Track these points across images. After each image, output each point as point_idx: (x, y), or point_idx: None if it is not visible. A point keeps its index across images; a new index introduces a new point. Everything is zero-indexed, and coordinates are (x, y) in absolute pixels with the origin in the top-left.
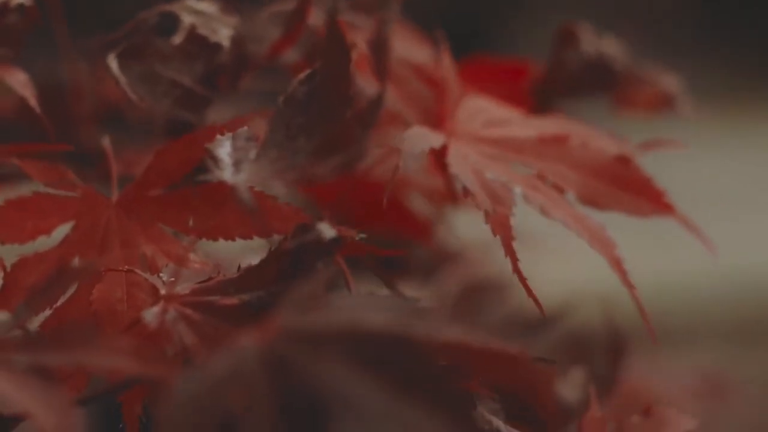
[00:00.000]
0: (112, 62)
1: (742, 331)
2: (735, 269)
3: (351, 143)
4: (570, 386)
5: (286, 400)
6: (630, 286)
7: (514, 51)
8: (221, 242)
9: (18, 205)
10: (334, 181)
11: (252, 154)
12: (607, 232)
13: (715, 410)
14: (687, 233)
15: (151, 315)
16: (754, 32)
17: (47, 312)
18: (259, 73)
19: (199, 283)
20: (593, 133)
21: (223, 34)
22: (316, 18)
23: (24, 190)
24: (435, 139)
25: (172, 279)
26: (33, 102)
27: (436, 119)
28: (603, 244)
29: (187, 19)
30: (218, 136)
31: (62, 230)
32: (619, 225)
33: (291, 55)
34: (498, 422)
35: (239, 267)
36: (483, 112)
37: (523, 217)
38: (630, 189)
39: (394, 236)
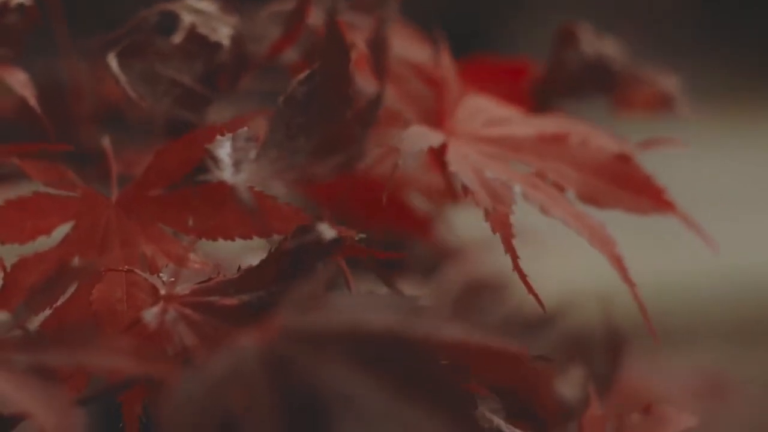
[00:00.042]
0: (112, 61)
1: (742, 331)
2: (735, 269)
3: (350, 143)
4: (569, 385)
5: (286, 400)
6: (630, 283)
7: (514, 51)
8: (221, 242)
9: (18, 204)
10: (334, 180)
11: (252, 154)
12: (607, 230)
13: (715, 410)
14: (686, 233)
15: (150, 315)
16: (754, 32)
17: (47, 312)
18: (258, 72)
19: (199, 283)
20: (593, 132)
21: (223, 33)
22: (315, 18)
23: (24, 190)
24: (434, 138)
25: (172, 279)
26: (33, 102)
27: (435, 118)
28: (603, 242)
29: (187, 18)
30: (218, 137)
31: (62, 230)
32: (618, 225)
33: (290, 55)
34: (499, 421)
35: (239, 267)
36: (483, 112)
37: (522, 216)
38: (630, 187)
39: (394, 233)
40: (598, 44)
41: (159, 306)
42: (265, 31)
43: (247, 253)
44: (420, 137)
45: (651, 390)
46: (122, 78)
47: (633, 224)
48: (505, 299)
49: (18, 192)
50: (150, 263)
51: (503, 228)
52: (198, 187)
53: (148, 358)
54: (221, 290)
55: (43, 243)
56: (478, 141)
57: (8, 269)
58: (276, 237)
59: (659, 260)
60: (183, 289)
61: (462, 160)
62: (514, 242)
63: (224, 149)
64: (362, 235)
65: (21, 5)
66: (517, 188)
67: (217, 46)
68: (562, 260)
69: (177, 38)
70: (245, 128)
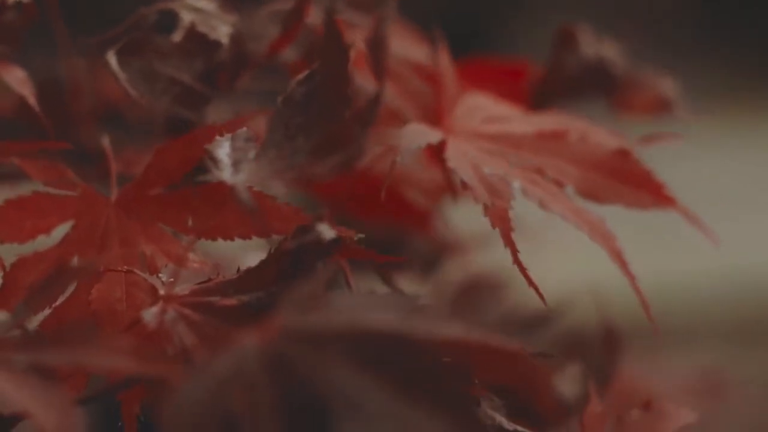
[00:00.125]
0: (112, 59)
1: (742, 331)
2: (735, 269)
3: (350, 142)
4: (568, 381)
5: (287, 401)
6: (631, 276)
7: (514, 51)
8: (220, 242)
9: (17, 204)
10: (333, 178)
11: (251, 154)
12: (607, 225)
13: (715, 410)
14: (686, 233)
15: (150, 315)
16: (754, 32)
17: (46, 311)
18: (257, 72)
19: (199, 283)
20: (592, 128)
21: (222, 31)
22: (314, 17)
23: (23, 189)
24: (433, 135)
25: (172, 279)
26: (32, 100)
27: (434, 116)
28: (603, 237)
29: (186, 17)
30: (217, 137)
31: (61, 229)
32: (618, 226)
33: (289, 54)
34: (501, 418)
35: (239, 267)
36: (482, 109)
37: (520, 214)
38: (630, 182)
39: (393, 228)
40: (598, 47)
41: (158, 306)
42: (263, 29)
43: (247, 253)
44: (418, 134)
45: (651, 390)
46: (122, 76)
47: (633, 225)
48: (504, 297)
49: (17, 191)
50: (149, 263)
51: (502, 223)
52: (197, 187)
53: (148, 358)
54: (221, 290)
55: (43, 242)
56: (477, 138)
57: (7, 268)
58: (276, 237)
59: (659, 260)
60: (182, 289)
61: (461, 157)
62: (513, 236)
63: (223, 149)
64: (361, 236)
65: (19, 2)
66: (516, 184)
67: (217, 44)
68: (560, 257)
69: (176, 36)
70: (244, 128)
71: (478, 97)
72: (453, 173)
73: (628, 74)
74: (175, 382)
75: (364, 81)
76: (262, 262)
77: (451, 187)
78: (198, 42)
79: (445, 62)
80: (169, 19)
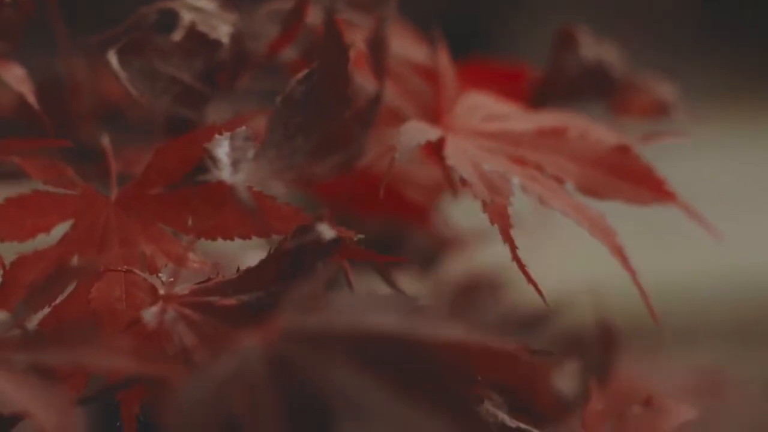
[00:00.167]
0: (112, 58)
1: (742, 331)
2: (735, 269)
3: (349, 142)
4: (567, 379)
5: (288, 401)
6: (632, 272)
7: (513, 51)
8: (220, 242)
9: (17, 202)
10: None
11: (250, 153)
12: (608, 221)
13: (715, 410)
14: (686, 234)
15: (150, 315)
16: (754, 32)
17: (46, 310)
18: (257, 72)
19: (199, 283)
20: (592, 125)
21: (222, 31)
22: (314, 16)
23: (23, 187)
24: (432, 133)
25: (171, 279)
26: (31, 97)
27: (434, 114)
28: (603, 233)
29: (186, 16)
30: (216, 136)
31: (61, 228)
32: (618, 226)
33: (289, 54)
34: (503, 415)
35: (238, 267)
36: (481, 108)
37: (519, 213)
38: (630, 178)
39: (392, 224)
40: (598, 49)
41: (158, 306)
42: (263, 29)
43: (247, 253)
44: (417, 132)
45: (651, 389)
46: (122, 75)
47: (632, 226)
48: (502, 296)
49: (17, 190)
50: (149, 263)
51: (501, 219)
52: (197, 186)
53: (148, 358)
54: (221, 290)
55: (43, 241)
56: (477, 136)
57: (7, 267)
58: (276, 237)
59: (659, 260)
60: (182, 288)
61: (460, 154)
62: (512, 233)
63: (222, 149)
64: (361, 236)
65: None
66: (516, 180)
67: (217, 43)
68: (559, 255)
69: (176, 36)
70: (243, 128)
71: (477, 96)
72: (452, 170)
73: (627, 77)
74: (175, 382)
75: (364, 81)
76: (262, 262)
77: (451, 185)
78: (198, 41)
79: (444, 62)
80: (170, 19)
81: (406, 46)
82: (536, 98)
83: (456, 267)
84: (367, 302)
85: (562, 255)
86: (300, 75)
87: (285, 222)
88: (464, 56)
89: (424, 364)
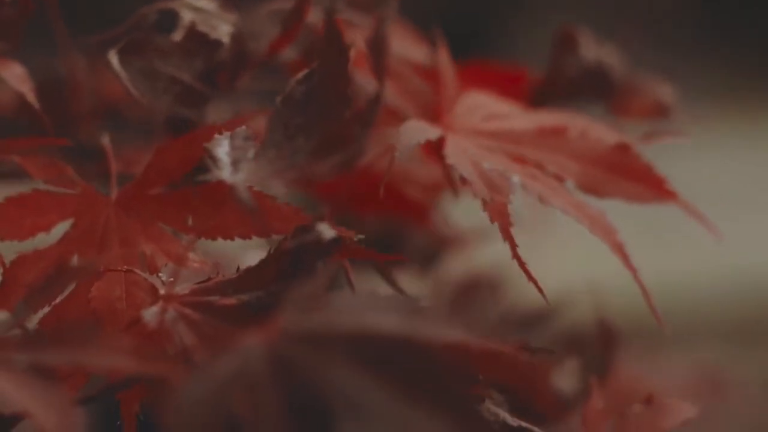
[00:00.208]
0: (113, 58)
1: (742, 331)
2: (735, 269)
3: (350, 142)
4: (567, 378)
5: (289, 401)
6: (633, 270)
7: (513, 52)
8: (220, 242)
9: (17, 201)
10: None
11: (250, 153)
12: (608, 219)
13: (715, 409)
14: (686, 234)
15: (150, 314)
16: (754, 32)
17: (46, 310)
18: (257, 72)
19: (199, 283)
20: (592, 124)
21: (222, 31)
22: (314, 16)
23: (23, 187)
24: (432, 132)
25: (171, 279)
26: (30, 96)
27: (434, 114)
28: (604, 231)
29: (186, 16)
30: (216, 136)
31: (61, 228)
32: (618, 225)
33: (289, 54)
34: (504, 414)
35: (239, 267)
36: (481, 107)
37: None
38: (630, 176)
39: (392, 222)
40: (598, 50)
41: (158, 305)
42: (263, 29)
43: (247, 252)
44: (417, 131)
45: (651, 389)
46: (123, 75)
47: (633, 227)
48: (502, 295)
49: (17, 189)
50: (149, 262)
51: (501, 217)
52: (197, 186)
53: (148, 358)
54: (221, 290)
55: (43, 240)
56: (477, 135)
57: (7, 266)
58: (276, 237)
59: (659, 260)
60: (182, 288)
61: (460, 153)
62: (512, 231)
63: (222, 149)
64: (361, 236)
65: None
66: (516, 178)
67: (217, 43)
68: (559, 253)
69: (177, 36)
70: (243, 128)
71: (477, 96)
72: (452, 169)
73: (627, 79)
74: (176, 381)
75: (364, 81)
76: (262, 262)
77: (451, 184)
78: (198, 41)
79: (444, 62)
80: (170, 19)
81: (406, 46)
82: (536, 99)
83: (456, 266)
84: (368, 302)
85: (563, 253)
86: (300, 75)
87: (285, 222)
88: (464, 56)
89: (425, 364)
